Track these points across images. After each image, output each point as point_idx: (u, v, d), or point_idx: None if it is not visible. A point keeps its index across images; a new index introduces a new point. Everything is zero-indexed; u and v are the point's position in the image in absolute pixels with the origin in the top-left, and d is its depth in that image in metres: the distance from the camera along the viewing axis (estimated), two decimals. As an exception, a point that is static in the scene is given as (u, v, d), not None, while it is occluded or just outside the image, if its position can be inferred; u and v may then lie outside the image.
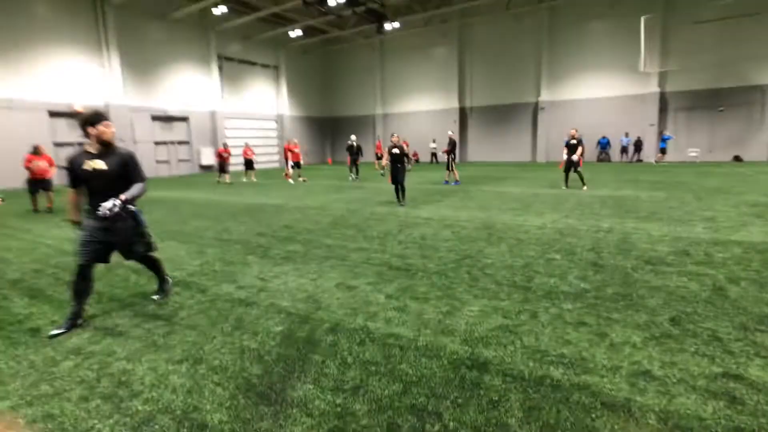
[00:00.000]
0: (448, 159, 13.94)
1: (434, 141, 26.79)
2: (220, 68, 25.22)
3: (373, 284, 4.13)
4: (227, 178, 16.99)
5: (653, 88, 21.75)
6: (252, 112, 27.79)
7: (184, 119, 23.51)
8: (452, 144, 13.97)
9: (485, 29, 26.09)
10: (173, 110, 22.75)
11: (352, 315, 3.41)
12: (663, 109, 21.83)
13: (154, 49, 21.77)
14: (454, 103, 27.72)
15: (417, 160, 27.97)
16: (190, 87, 23.69)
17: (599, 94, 23.32)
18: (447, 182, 13.89)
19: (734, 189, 10.46)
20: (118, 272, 4.76)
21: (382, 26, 24.45)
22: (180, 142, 23.55)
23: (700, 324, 3.07)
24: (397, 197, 9.35)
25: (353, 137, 17.83)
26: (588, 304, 3.49)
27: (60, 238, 6.79)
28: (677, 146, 21.24)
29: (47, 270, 4.98)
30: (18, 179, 17.08)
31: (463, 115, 27.85)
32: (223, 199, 11.34)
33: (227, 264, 4.98)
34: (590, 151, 23.55)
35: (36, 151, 9.87)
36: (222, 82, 25.41)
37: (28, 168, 9.80)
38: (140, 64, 21.19)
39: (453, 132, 14.27)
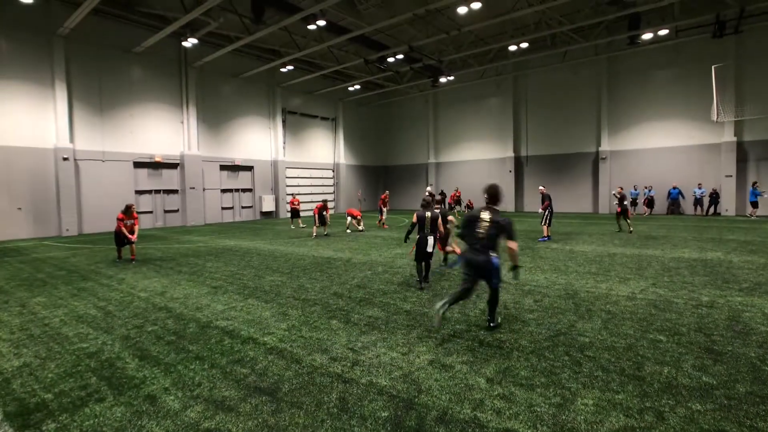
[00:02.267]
0: (546, 214, 12.63)
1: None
2: (284, 121, 26.99)
3: (469, 364, 3.99)
4: (300, 222, 19.33)
5: (728, 137, 20.56)
6: (310, 161, 29.20)
7: (248, 168, 25.10)
8: (548, 198, 12.73)
9: (540, 80, 26.30)
10: (239, 160, 24.40)
11: (458, 402, 3.28)
12: (742, 159, 20.45)
13: (225, 104, 23.82)
14: (509, 152, 27.65)
15: (471, 209, 27.69)
16: (256, 138, 25.45)
17: (666, 143, 22.38)
18: (545, 239, 12.62)
19: (844, 254, 9.38)
20: (219, 339, 4.94)
21: (437, 80, 25.35)
22: (244, 190, 25.02)
23: None
24: (420, 278, 6.99)
25: (429, 188, 18.73)
26: (720, 406, 3.15)
27: (150, 290, 7.24)
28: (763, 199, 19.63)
29: (147, 326, 5.27)
30: (104, 224, 18.82)
31: (519, 164, 27.63)
32: (290, 251, 11.72)
33: (313, 329, 5.04)
34: (660, 202, 22.38)
35: (128, 211, 10.28)
36: (284, 133, 27.09)
37: (120, 228, 10.13)
38: (213, 118, 23.18)
39: (543, 186, 13.19)
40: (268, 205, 25.69)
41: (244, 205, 25.01)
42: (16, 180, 16.35)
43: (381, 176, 35.03)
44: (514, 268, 4.95)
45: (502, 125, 28.03)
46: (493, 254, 4.75)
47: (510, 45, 21.59)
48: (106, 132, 19.00)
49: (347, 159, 32.03)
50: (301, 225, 19.18)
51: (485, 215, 4.87)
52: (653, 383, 3.52)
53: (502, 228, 4.76)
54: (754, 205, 18.74)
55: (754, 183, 19.09)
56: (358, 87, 28.26)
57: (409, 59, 23.21)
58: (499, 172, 28.03)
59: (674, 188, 21.69)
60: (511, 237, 4.74)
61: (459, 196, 28.96)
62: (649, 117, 22.86)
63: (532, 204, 27.15)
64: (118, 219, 10.18)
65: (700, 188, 21.05)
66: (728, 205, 20.53)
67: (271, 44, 22.44)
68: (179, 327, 5.22)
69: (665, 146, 22.43)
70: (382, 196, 19.92)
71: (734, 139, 20.47)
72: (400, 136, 34.02)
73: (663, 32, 19.40)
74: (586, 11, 18.78)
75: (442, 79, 25.41)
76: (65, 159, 17.32)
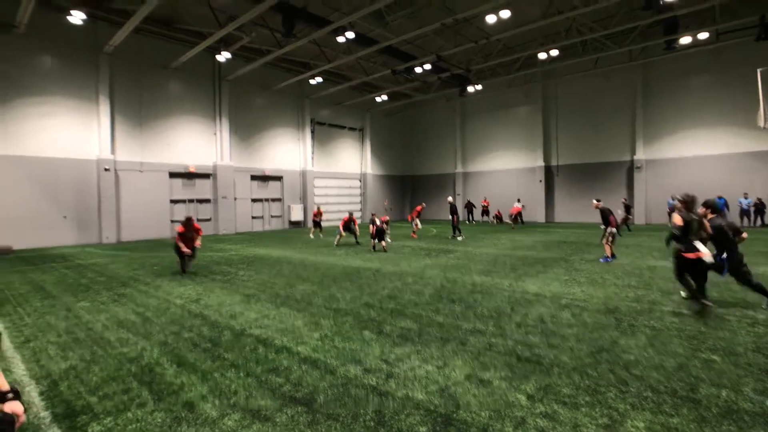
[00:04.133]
0: (607, 231, 10.50)
1: (519, 201, 26.11)
2: (312, 131, 27.46)
3: (508, 380, 3.85)
4: (320, 233, 19.53)
5: (778, 144, 19.51)
6: (338, 171, 29.53)
7: (278, 178, 25.60)
8: (609, 212, 10.65)
9: (571, 87, 25.78)
10: (269, 170, 24.93)
11: (498, 419, 3.16)
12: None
13: (256, 115, 24.46)
14: (539, 162, 27.11)
15: (500, 219, 27.31)
16: (285, 148, 25.98)
17: (706, 151, 21.40)
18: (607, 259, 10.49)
19: None
20: (254, 347, 4.98)
21: (465, 90, 25.24)
22: (273, 199, 25.50)
23: None
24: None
25: (451, 198, 18.64)
26: (788, 434, 2.90)
27: (185, 297, 7.41)
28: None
29: (183, 333, 5.38)
30: (141, 233, 19.53)
31: (549, 173, 27.03)
32: (319, 260, 11.80)
33: (346, 339, 5.01)
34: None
35: (188, 224, 9.82)
36: (313, 143, 27.54)
37: (181, 241, 9.70)
38: (244, 129, 23.83)
39: (598, 200, 11.28)
40: (297, 215, 26.06)
41: (273, 215, 25.47)
42: (63, 189, 17.25)
43: (408, 186, 35.01)
44: None
45: (532, 134, 27.55)
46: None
47: (539, 53, 21.29)
48: (145, 143, 19.84)
49: (374, 169, 32.21)
50: (321, 236, 19.26)
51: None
52: (711, 407, 3.29)
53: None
54: None
55: None
56: (385, 97, 28.50)
57: (436, 69, 23.23)
58: (528, 181, 27.51)
59: (719, 198, 20.53)
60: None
61: (487, 206, 28.60)
62: (688, 124, 21.95)
63: (563, 214, 26.44)
64: (178, 233, 9.76)
65: (746, 198, 19.95)
66: (777, 216, 19.36)
67: (300, 57, 22.97)
68: (214, 334, 5.30)
69: (706, 154, 21.44)
70: (418, 208, 19.27)
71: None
72: (427, 146, 33.99)
73: (703, 36, 18.67)
74: (619, 17, 18.30)
75: (470, 89, 25.29)
76: (107, 170, 18.16)
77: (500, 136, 29.27)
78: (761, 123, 17.83)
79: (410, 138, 34.89)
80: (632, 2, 17.26)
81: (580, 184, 25.66)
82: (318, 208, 20.30)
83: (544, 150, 27.04)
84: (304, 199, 26.74)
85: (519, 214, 22.94)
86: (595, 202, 11.26)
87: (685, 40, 18.93)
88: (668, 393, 3.54)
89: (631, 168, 23.70)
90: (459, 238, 16.67)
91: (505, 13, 16.47)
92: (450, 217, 17.26)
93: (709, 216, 6.12)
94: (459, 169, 31.54)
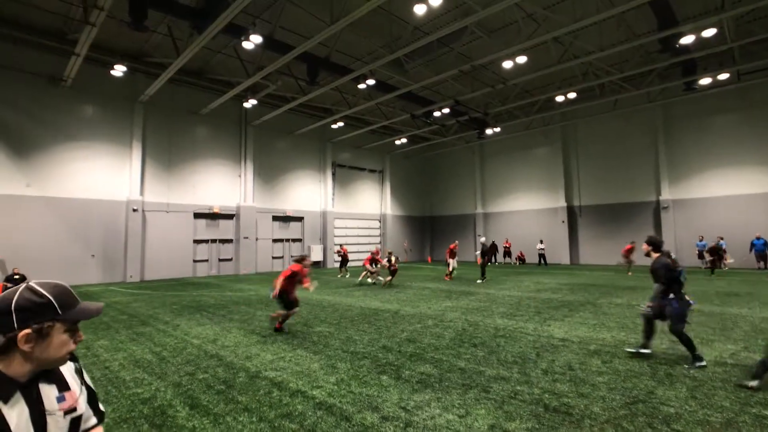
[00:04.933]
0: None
1: (542, 242, 25.60)
2: (333, 174, 28.06)
3: (532, 430, 3.58)
4: (346, 272, 19.84)
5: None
6: (358, 212, 29.81)
7: (299, 219, 25.96)
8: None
9: (590, 128, 25.84)
10: (291, 211, 25.36)
11: (526, 477, 2.90)
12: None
13: (279, 158, 25.24)
14: (561, 202, 26.76)
15: (523, 260, 26.70)
16: (307, 190, 26.52)
17: (737, 191, 20.76)
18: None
19: None
20: (268, 390, 4.84)
21: (483, 132, 25.60)
22: (294, 240, 25.74)
23: None
24: None
25: (483, 237, 18.21)
26: None
27: (202, 337, 7.36)
28: None
29: (198, 374, 5.28)
30: (163, 272, 19.86)
31: (572, 214, 26.58)
32: (337, 301, 11.65)
33: (362, 384, 4.81)
34: (742, 254, 19.99)
35: (301, 260, 8.02)
36: (334, 185, 28.07)
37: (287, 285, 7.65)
38: (267, 171, 24.55)
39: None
40: (317, 255, 26.13)
41: (293, 255, 25.61)
42: (92, 229, 17.90)
43: (427, 226, 34.92)
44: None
45: (552, 175, 27.42)
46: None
47: (557, 96, 21.61)
48: (172, 185, 20.61)
49: (393, 210, 32.39)
50: (347, 275, 19.23)
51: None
52: (765, 469, 2.96)
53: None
54: None
55: None
56: (404, 141, 29.14)
57: (454, 113, 23.77)
58: (550, 222, 27.06)
59: (758, 239, 19.62)
60: None
61: (509, 247, 28.12)
62: (714, 163, 21.48)
63: (588, 256, 25.67)
64: (295, 272, 7.68)
65: (776, 239, 19.05)
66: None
67: (323, 103, 23.94)
68: (229, 376, 5.18)
69: (735, 194, 20.77)
70: (451, 246, 17.82)
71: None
72: (446, 187, 34.15)
73: (723, 76, 18.65)
74: (636, 60, 18.57)
75: (488, 131, 25.63)
76: (135, 210, 18.84)
77: (520, 177, 29.22)
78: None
79: (429, 179, 35.20)
80: (649, 45, 17.53)
81: (604, 225, 25.06)
82: (343, 246, 20.86)
83: (565, 191, 26.75)
84: (324, 239, 26.92)
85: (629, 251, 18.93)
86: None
87: (705, 81, 18.93)
88: (716, 452, 3.22)
89: (657, 208, 23.10)
90: (478, 281, 16.17)
91: (522, 59, 16.92)
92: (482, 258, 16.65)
93: (654, 255, 5.64)
94: (479, 210, 31.38)
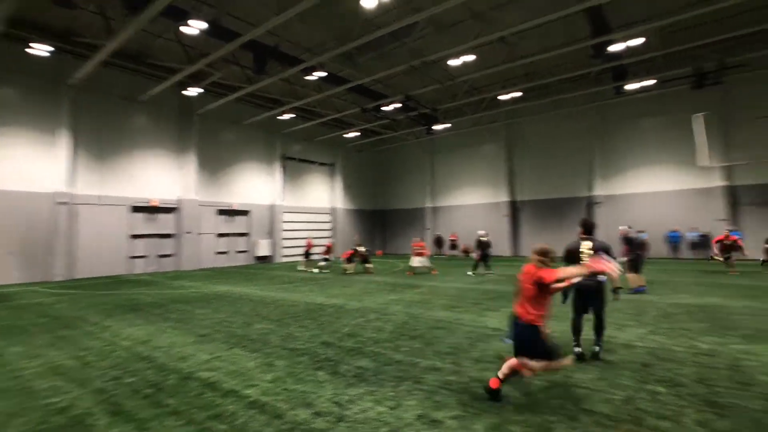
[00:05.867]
0: (634, 261, 10.73)
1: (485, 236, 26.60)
2: (283, 167, 27.45)
3: (459, 419, 3.78)
4: (311, 266, 20.05)
5: (718, 182, 20.94)
6: (308, 205, 29.42)
7: (245, 213, 25.19)
8: (636, 245, 11.06)
9: (533, 127, 27.11)
10: (237, 204, 24.55)
11: (445, 463, 3.06)
12: (735, 203, 20.71)
13: (225, 150, 24.30)
14: (504, 197, 27.99)
15: (468, 253, 27.63)
16: (255, 183, 25.76)
17: (659, 188, 22.74)
18: (638, 289, 10.55)
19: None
20: (200, 392, 4.72)
21: (432, 128, 26.11)
22: (239, 234, 24.96)
23: None
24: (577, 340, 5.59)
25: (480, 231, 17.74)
26: (726, 467, 2.95)
27: (133, 338, 7.00)
28: (756, 243, 19.63)
29: (125, 378, 5.04)
30: (96, 269, 18.57)
31: (514, 209, 27.87)
32: (282, 297, 11.49)
33: (298, 381, 4.82)
34: (659, 246, 22.03)
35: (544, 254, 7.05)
36: (283, 178, 27.48)
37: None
38: (212, 163, 23.56)
39: (626, 226, 12.05)
40: (264, 250, 25.54)
41: (239, 250, 24.85)
42: (10, 225, 16.30)
43: (378, 220, 35.16)
44: (615, 290, 5.56)
45: (497, 171, 28.56)
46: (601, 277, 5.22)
47: (502, 94, 22.45)
48: (106, 177, 19.23)
49: (345, 203, 32.30)
50: (314, 270, 19.29)
51: (586, 244, 5.45)
52: (654, 441, 3.33)
53: (606, 251, 5.20)
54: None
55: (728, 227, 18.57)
56: (356, 134, 29.05)
57: (405, 108, 24.02)
58: (494, 216, 28.22)
59: (674, 231, 21.67)
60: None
61: (455, 240, 29.03)
62: (641, 162, 23.36)
63: (529, 248, 27.04)
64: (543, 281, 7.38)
65: (693, 232, 21.13)
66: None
67: (271, 93, 23.27)
68: (159, 378, 4.99)
69: (659, 190, 22.75)
70: (415, 244, 17.71)
71: (723, 183, 20.83)
72: (397, 181, 34.54)
73: (649, 83, 20.26)
74: (576, 63, 19.69)
75: (438, 127, 26.18)
76: (63, 203, 17.39)
77: (468, 173, 30.18)
78: (699, 163, 19.25)
79: (381, 173, 35.41)
80: (586, 50, 18.61)
81: (544, 218, 26.52)
82: (309, 241, 21.15)
83: (508, 186, 27.99)
84: (272, 233, 26.34)
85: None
86: (622, 228, 12.32)
87: (633, 86, 20.47)
88: (616, 423, 3.56)
89: (590, 203, 24.77)
90: (469, 273, 16.23)
91: (470, 57, 17.39)
92: (477, 252, 16.47)
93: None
94: (429, 204, 32.07)
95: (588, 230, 5.68)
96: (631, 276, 10.65)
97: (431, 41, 17.94)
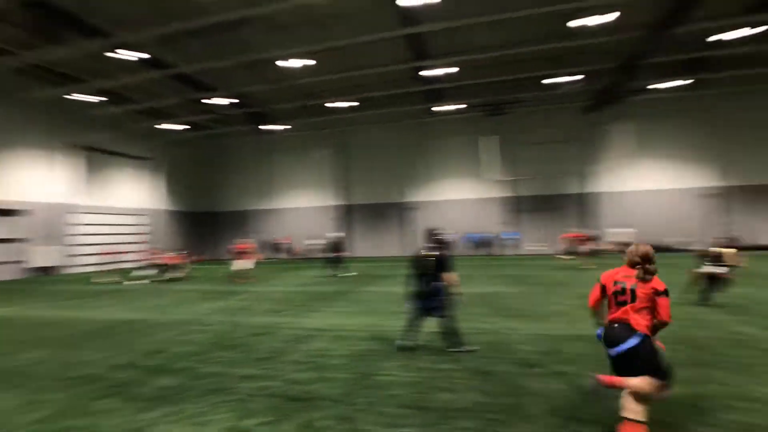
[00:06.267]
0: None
1: (329, 238, 27.22)
2: (83, 157, 22.67)
3: (270, 424, 3.72)
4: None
5: (501, 193, 26.30)
6: (118, 205, 24.99)
7: (21, 213, 19.81)
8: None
9: (363, 136, 29.07)
10: (11, 202, 19.18)
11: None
12: (514, 210, 26.25)
13: (-7, 131, 18.79)
14: (334, 201, 29.36)
15: (297, 255, 27.78)
16: (35, 176, 20.53)
17: (461, 196, 27.22)
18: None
19: (573, 281, 12.56)
20: None
21: (263, 128, 25.42)
22: (12, 240, 19.50)
23: (569, 427, 3.42)
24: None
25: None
26: (485, 420, 3.65)
27: None
28: (526, 241, 25.21)
29: None
30: None
31: (344, 212, 29.37)
32: (69, 316, 9.43)
33: (79, 415, 4.01)
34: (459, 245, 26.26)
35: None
36: (83, 172, 22.69)
37: None
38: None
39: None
40: (47, 259, 20.57)
41: (10, 260, 19.38)
42: None
43: (208, 222, 32.21)
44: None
45: (328, 175, 29.78)
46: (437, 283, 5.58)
47: (337, 102, 23.34)
48: None
49: (168, 204, 28.64)
50: (126, 281, 16.29)
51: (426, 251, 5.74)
52: (430, 410, 3.88)
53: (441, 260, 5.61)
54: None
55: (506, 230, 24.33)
56: (180, 127, 26.05)
57: (238, 104, 22.73)
58: (324, 219, 29.31)
59: (472, 234, 26.14)
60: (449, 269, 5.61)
61: (289, 243, 28.88)
62: (449, 174, 27.60)
63: (358, 250, 28.64)
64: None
65: (481, 234, 26.05)
66: (501, 249, 25.84)
67: (69, 68, 18.93)
68: None
69: (459, 198, 27.22)
70: (238, 246, 15.72)
71: (505, 194, 26.32)
72: (230, 182, 32.36)
73: (459, 106, 24.07)
74: (396, 83, 21.89)
75: (270, 127, 25.60)
76: None
77: (300, 176, 30.53)
78: (487, 177, 23.82)
79: (210, 173, 32.53)
80: (410, 71, 20.74)
81: (370, 222, 28.84)
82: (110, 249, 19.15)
83: (339, 190, 29.49)
84: (60, 238, 21.39)
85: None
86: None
87: (443, 108, 24.01)
88: (412, 408, 4.02)
89: (409, 208, 28.03)
90: (332, 274, 16.01)
91: (306, 62, 17.52)
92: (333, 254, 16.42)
93: None
94: (263, 206, 31.07)
95: (432, 238, 5.90)
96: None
97: (267, 40, 17.43)
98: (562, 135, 25.17)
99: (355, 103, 23.55)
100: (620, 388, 3.24)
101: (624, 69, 18.79)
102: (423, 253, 5.79)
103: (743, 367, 4.84)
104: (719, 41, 17.21)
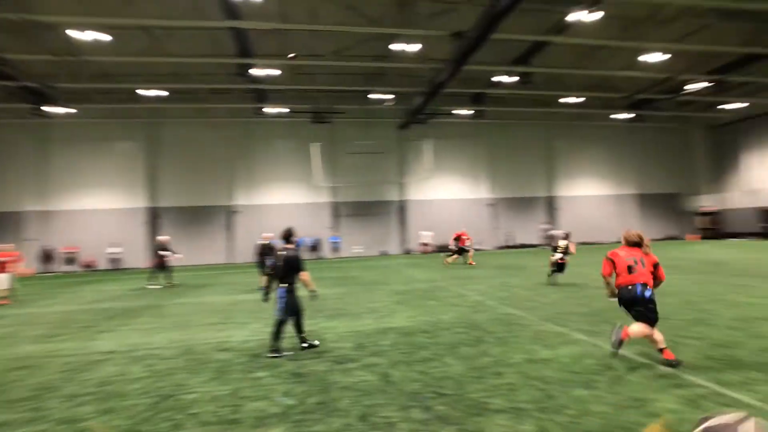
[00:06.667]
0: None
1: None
2: None
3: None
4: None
5: (327, 198, 27.13)
6: None
7: None
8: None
9: (178, 130, 26.02)
10: None
11: None
12: (338, 215, 27.35)
13: None
14: (141, 203, 25.35)
15: (91, 266, 23.02)
16: None
17: (288, 200, 26.93)
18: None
19: (387, 280, 13.89)
20: None
21: (41, 108, 20.31)
22: None
23: (379, 414, 3.79)
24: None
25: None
26: (294, 422, 3.72)
27: None
28: (349, 245, 26.65)
29: None
30: None
31: (154, 215, 25.64)
32: None
33: None
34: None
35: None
36: None
37: None
38: None
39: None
40: None
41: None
42: None
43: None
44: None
45: (134, 173, 25.57)
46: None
47: (143, 89, 20.31)
48: None
49: None
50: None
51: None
52: (245, 421, 3.77)
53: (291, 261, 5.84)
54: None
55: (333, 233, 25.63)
56: None
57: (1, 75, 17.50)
58: (130, 223, 25.10)
59: (304, 237, 26.14)
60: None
61: (76, 253, 23.79)
62: (275, 177, 26.99)
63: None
64: None
65: (310, 238, 26.48)
66: (329, 251, 26.81)
67: None
68: None
69: (287, 202, 26.86)
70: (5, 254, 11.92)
71: (331, 200, 27.27)
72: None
73: (283, 110, 23.83)
74: (222, 76, 20.40)
75: (52, 109, 20.59)
76: None
77: (96, 172, 25.26)
78: (315, 182, 24.46)
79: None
80: (234, 68, 19.52)
81: (186, 226, 25.83)
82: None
83: (147, 191, 25.59)
84: None
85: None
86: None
87: (270, 110, 23.53)
88: (219, 423, 3.79)
89: (231, 212, 26.32)
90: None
91: (102, 36, 14.71)
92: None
93: (288, 246, 6.10)
94: (38, 207, 24.53)
95: (286, 238, 6.16)
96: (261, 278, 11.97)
97: (51, 1, 13.99)
98: (380, 147, 27.59)
99: (164, 93, 20.90)
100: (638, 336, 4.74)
101: (427, 94, 21.82)
102: (277, 253, 6.10)
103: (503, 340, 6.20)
104: (499, 82, 21.82)
